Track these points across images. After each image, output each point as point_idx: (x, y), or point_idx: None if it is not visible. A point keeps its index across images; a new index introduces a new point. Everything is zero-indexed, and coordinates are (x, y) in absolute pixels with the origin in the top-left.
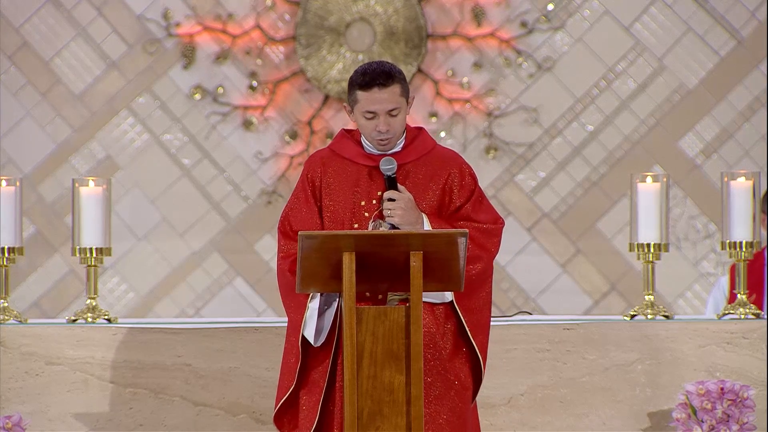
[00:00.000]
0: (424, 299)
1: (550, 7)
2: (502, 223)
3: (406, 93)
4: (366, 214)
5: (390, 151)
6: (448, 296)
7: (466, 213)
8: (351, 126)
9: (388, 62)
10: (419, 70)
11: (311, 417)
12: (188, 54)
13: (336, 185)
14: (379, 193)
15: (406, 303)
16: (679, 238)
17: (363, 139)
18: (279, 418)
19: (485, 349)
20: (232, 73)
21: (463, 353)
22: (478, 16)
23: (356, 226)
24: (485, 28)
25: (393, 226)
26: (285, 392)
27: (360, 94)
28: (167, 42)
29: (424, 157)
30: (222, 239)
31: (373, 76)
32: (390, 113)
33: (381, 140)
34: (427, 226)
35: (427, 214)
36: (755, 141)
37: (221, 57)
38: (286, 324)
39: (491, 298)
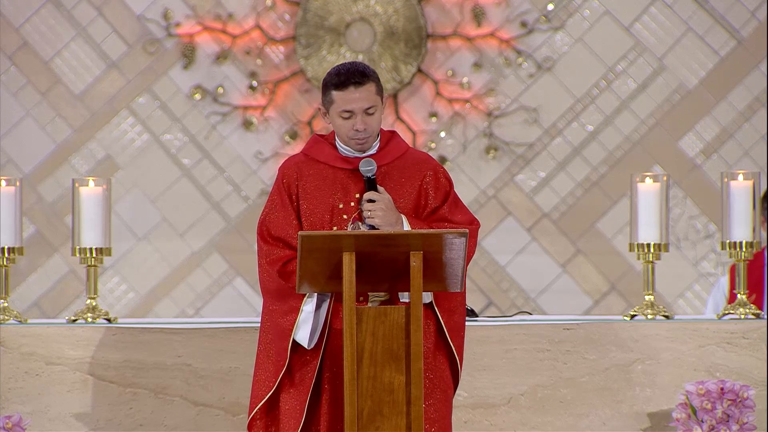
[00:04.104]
0: (402, 300)
1: (550, 7)
2: (478, 225)
3: (380, 92)
4: (344, 217)
5: (366, 153)
6: (427, 297)
7: (443, 214)
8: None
9: (361, 62)
10: (419, 70)
11: (297, 418)
12: (188, 54)
13: (312, 189)
14: (358, 195)
15: (388, 304)
16: (679, 238)
17: (337, 142)
18: (253, 424)
19: (462, 350)
20: (232, 73)
21: (442, 353)
22: (478, 16)
23: (335, 228)
24: (485, 28)
25: (371, 227)
26: (262, 398)
27: (335, 94)
28: (167, 42)
29: (399, 160)
30: (222, 239)
31: (348, 75)
32: (366, 111)
33: (358, 140)
34: (406, 227)
35: (405, 215)
36: (755, 141)
37: (221, 57)
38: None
39: (465, 300)
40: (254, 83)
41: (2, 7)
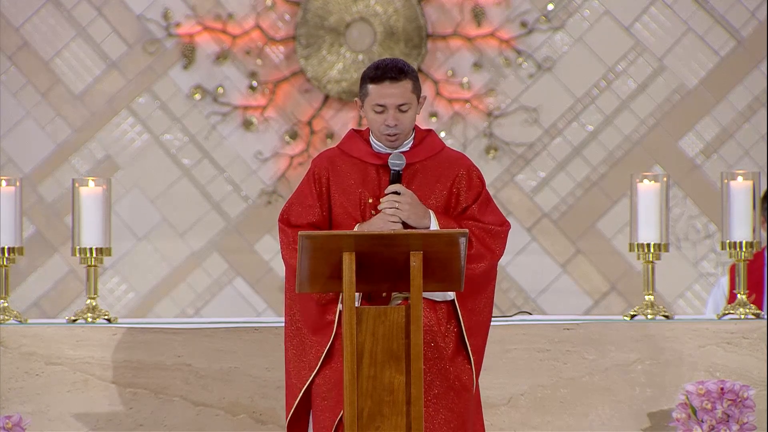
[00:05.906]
0: (427, 297)
1: (550, 7)
2: (509, 226)
3: (417, 91)
4: (373, 212)
5: (398, 150)
6: (450, 295)
7: (472, 213)
8: (361, 126)
9: (402, 60)
10: (419, 70)
11: (335, 410)
12: (188, 54)
13: (343, 183)
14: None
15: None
16: (679, 238)
17: (371, 138)
18: (292, 427)
19: (480, 351)
20: (232, 73)
21: (464, 354)
22: (478, 16)
23: None
24: (485, 28)
25: (402, 223)
26: (295, 399)
27: (371, 88)
28: (167, 42)
29: (433, 158)
30: (222, 239)
31: (385, 70)
32: (399, 108)
33: (389, 135)
34: (434, 222)
35: (433, 211)
36: (755, 141)
37: (221, 57)
38: (285, 324)
39: (493, 302)
40: (254, 83)
41: (2, 7)
